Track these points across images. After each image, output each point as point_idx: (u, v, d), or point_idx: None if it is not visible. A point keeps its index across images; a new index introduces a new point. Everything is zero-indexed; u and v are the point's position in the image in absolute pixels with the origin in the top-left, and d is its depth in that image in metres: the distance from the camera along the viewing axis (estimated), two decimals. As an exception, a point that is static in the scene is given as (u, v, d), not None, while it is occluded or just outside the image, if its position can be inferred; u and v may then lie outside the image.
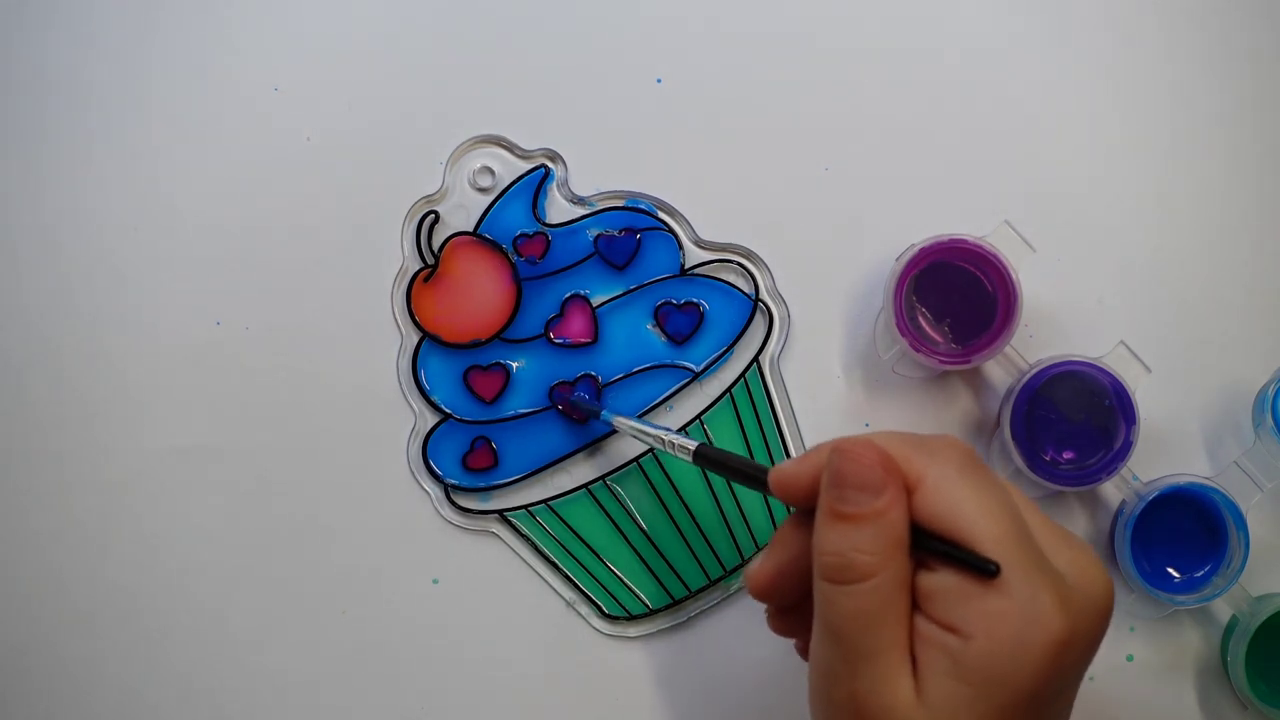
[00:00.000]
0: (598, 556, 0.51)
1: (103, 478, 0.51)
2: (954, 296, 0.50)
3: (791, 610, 0.39)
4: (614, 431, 0.51)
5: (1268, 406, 0.49)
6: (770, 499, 0.51)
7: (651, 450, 0.51)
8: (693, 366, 0.51)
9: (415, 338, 0.51)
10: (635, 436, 0.47)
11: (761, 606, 0.40)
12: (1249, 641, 0.48)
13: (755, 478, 0.39)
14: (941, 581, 0.33)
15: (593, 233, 0.52)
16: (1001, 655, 0.32)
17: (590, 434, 0.51)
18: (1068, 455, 0.49)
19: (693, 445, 0.43)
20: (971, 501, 0.33)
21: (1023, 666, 0.32)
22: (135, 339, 0.52)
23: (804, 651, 0.40)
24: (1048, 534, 0.35)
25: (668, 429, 0.46)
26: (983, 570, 0.32)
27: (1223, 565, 0.49)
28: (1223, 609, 0.50)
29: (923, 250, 0.49)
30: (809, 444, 0.52)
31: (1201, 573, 0.49)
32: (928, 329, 0.50)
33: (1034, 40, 0.53)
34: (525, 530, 0.51)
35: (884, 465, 0.34)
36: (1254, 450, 0.49)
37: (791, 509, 0.38)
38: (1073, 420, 0.49)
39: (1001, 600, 0.32)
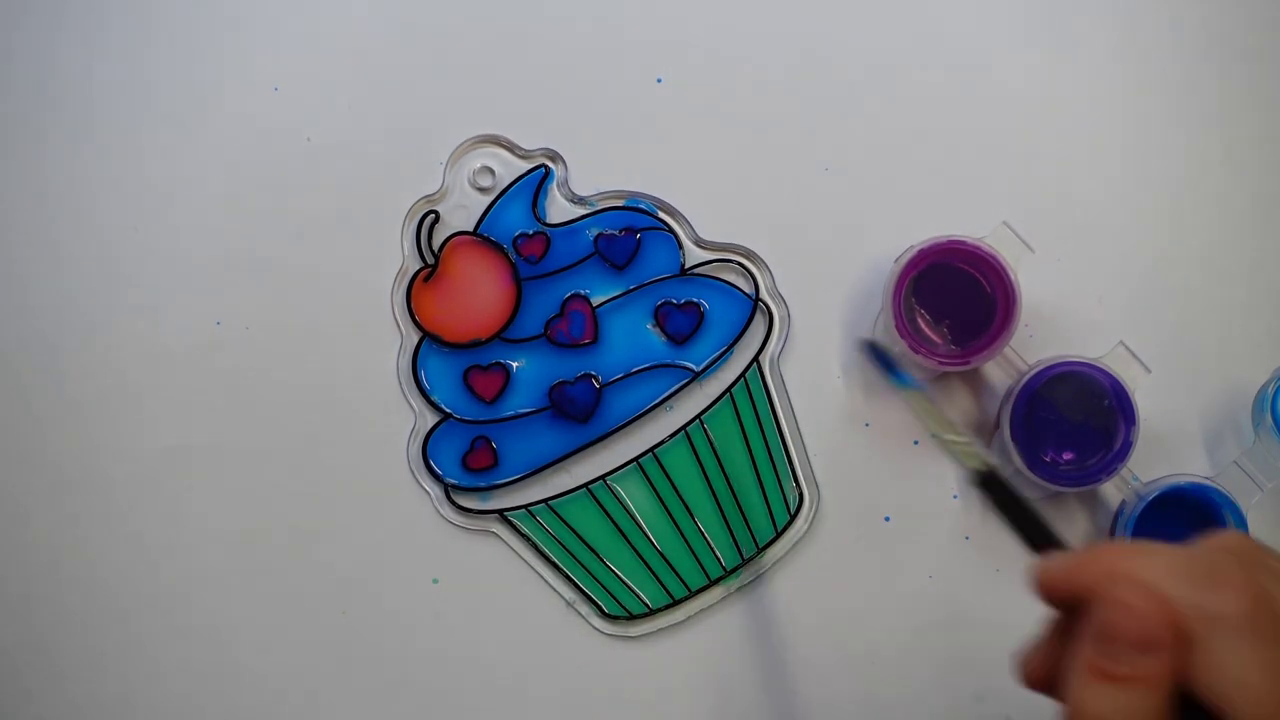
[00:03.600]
0: (598, 556, 0.51)
1: (103, 477, 0.51)
2: (953, 298, 0.50)
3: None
4: (613, 431, 0.51)
5: (1267, 406, 0.49)
6: (770, 500, 0.51)
7: (651, 450, 0.51)
8: (693, 366, 0.51)
9: (415, 338, 0.51)
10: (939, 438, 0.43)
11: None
12: (1249, 641, 0.48)
13: (1031, 543, 0.36)
14: None
15: (593, 232, 0.52)
16: None
17: (590, 434, 0.51)
18: (1067, 456, 0.49)
19: (985, 467, 0.38)
20: (1248, 680, 0.29)
21: None
22: (135, 339, 0.52)
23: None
24: None
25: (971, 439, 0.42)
26: None
27: (1223, 565, 0.49)
28: (1223, 609, 0.50)
29: (921, 252, 0.49)
30: (809, 444, 0.52)
31: (1202, 573, 0.49)
32: (927, 330, 0.50)
33: (1033, 41, 0.53)
34: (525, 530, 0.51)
35: (1163, 619, 0.29)
36: (1254, 450, 0.49)
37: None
38: (1072, 421, 0.49)
39: None
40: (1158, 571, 0.30)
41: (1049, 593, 0.32)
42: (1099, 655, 0.30)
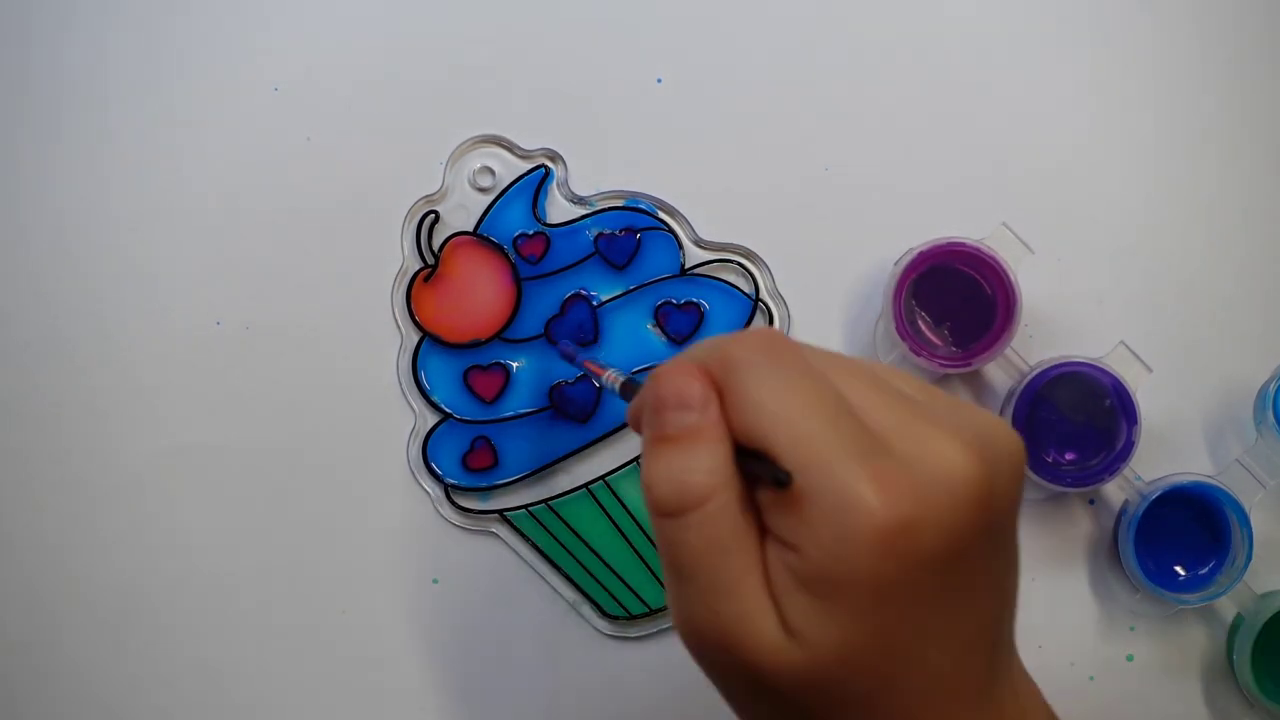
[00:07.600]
0: (598, 556, 0.51)
1: (103, 477, 0.51)
2: (953, 299, 0.50)
3: None
4: (614, 431, 0.51)
5: (1269, 404, 0.49)
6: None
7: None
8: (693, 367, 0.51)
9: (415, 338, 0.51)
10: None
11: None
12: (1254, 639, 0.48)
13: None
14: (768, 497, 0.30)
15: (593, 232, 0.52)
16: (830, 559, 0.29)
17: (590, 434, 0.51)
18: (1070, 456, 0.49)
19: (621, 378, 0.41)
20: (770, 402, 0.30)
21: (855, 564, 0.29)
22: (136, 339, 0.52)
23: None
24: (894, 414, 0.31)
25: (615, 368, 0.44)
26: (777, 482, 0.29)
27: (1226, 563, 0.49)
28: (1227, 607, 0.50)
29: (921, 254, 0.49)
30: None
31: (1205, 571, 0.49)
32: (927, 333, 0.50)
33: (1032, 41, 0.54)
34: (525, 530, 0.51)
35: (701, 378, 0.31)
36: (1256, 448, 0.49)
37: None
38: (1074, 421, 0.49)
39: (812, 505, 0.29)
40: (690, 351, 0.33)
41: (634, 424, 0.34)
42: (651, 426, 0.32)
